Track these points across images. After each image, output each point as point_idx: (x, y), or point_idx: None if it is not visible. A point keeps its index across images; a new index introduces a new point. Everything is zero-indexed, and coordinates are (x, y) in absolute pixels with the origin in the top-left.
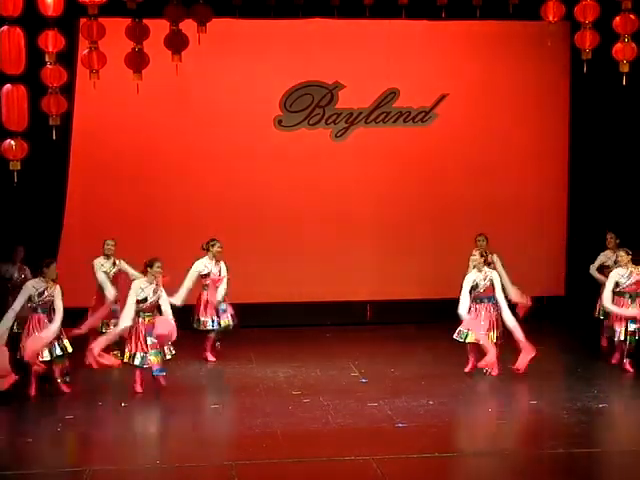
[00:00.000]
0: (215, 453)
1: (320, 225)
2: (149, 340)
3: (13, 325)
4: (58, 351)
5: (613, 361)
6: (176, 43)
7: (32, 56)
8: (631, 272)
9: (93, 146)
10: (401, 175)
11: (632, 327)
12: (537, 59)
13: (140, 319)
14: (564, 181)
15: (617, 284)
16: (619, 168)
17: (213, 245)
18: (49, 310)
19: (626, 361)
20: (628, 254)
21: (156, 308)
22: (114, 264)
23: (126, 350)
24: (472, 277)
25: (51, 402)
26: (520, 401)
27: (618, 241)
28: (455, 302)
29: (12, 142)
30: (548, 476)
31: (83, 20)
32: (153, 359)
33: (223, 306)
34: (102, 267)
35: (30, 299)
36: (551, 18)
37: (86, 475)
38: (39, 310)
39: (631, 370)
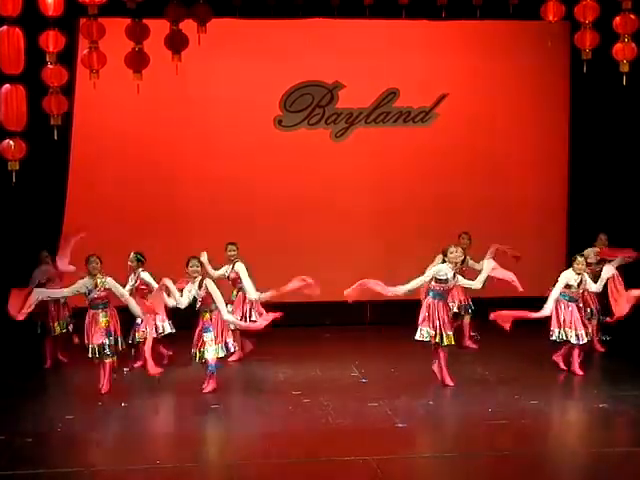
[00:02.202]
0: (215, 453)
1: (320, 225)
2: (206, 336)
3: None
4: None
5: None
6: (176, 43)
7: (32, 56)
8: (582, 280)
9: (93, 146)
10: (401, 175)
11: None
12: (537, 59)
13: (202, 316)
14: (564, 181)
15: (569, 286)
16: (619, 168)
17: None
18: (105, 306)
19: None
20: (586, 262)
21: (211, 303)
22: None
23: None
24: (445, 269)
25: (51, 402)
26: (520, 401)
27: (607, 243)
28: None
29: (11, 142)
30: (548, 476)
31: (83, 20)
32: (210, 355)
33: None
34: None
35: (86, 295)
36: (551, 18)
37: (86, 475)
38: (92, 307)
39: (581, 373)
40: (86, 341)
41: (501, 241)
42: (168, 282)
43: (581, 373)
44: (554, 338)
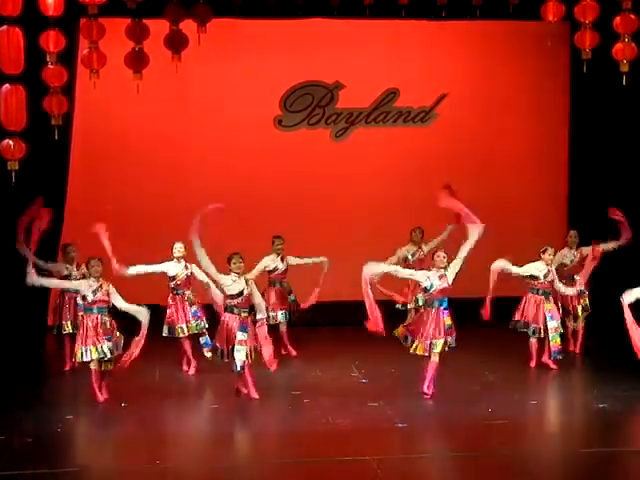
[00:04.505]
0: (215, 453)
1: (320, 225)
2: (239, 336)
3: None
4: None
5: (532, 364)
6: (176, 43)
7: (33, 56)
8: (549, 271)
9: (93, 146)
10: (401, 175)
11: (553, 324)
12: (537, 59)
13: (233, 315)
14: (564, 181)
15: (535, 278)
16: (619, 168)
17: (274, 242)
18: (107, 310)
19: (550, 360)
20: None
21: (250, 304)
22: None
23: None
24: (425, 275)
25: (51, 402)
26: (520, 401)
27: (577, 240)
28: (455, 302)
29: (10, 142)
30: (548, 476)
31: (83, 20)
32: (238, 356)
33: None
34: None
35: (83, 298)
36: (551, 18)
37: (86, 475)
38: (94, 310)
39: (555, 367)
40: (85, 346)
41: (501, 241)
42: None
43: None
44: (512, 328)
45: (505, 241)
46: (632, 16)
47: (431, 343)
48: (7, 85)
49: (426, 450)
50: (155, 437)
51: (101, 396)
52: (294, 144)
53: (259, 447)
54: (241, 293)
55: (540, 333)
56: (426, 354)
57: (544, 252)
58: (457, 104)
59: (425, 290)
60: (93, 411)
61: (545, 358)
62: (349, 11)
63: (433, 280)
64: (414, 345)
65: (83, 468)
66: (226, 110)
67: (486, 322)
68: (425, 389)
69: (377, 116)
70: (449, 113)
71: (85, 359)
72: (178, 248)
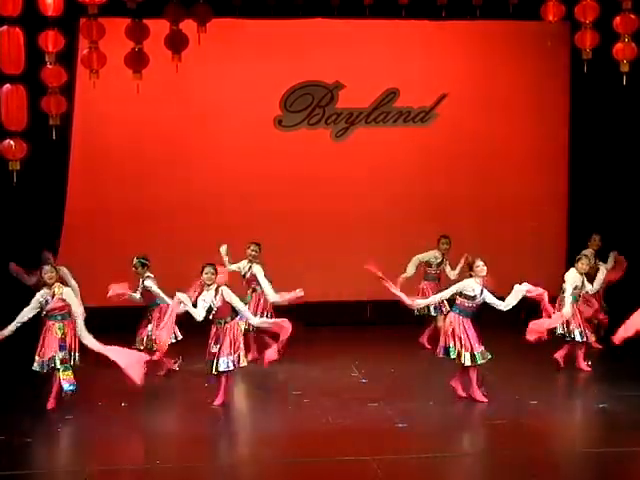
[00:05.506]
0: (215, 453)
1: (320, 225)
2: (213, 348)
3: None
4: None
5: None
6: (176, 43)
7: (32, 56)
8: (583, 280)
9: (93, 146)
10: (401, 175)
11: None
12: (537, 59)
13: (215, 327)
14: (564, 181)
15: (576, 287)
16: (619, 168)
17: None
18: (60, 317)
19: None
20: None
21: (230, 311)
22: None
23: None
24: (472, 285)
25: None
26: (520, 401)
27: (600, 244)
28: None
29: (11, 142)
30: (548, 476)
31: (83, 20)
32: (221, 367)
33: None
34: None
35: (42, 307)
36: (551, 18)
37: (86, 475)
38: (50, 318)
39: (589, 369)
40: (37, 353)
41: (501, 241)
42: (183, 297)
43: (589, 369)
44: (560, 332)
45: (505, 241)
46: (632, 16)
47: (473, 354)
48: (8, 85)
49: (426, 450)
50: (155, 437)
51: (50, 403)
52: (294, 144)
53: (259, 447)
54: (210, 309)
55: (585, 337)
56: (472, 364)
57: (579, 261)
58: (457, 104)
59: (471, 299)
60: (93, 411)
61: (582, 363)
62: (349, 11)
63: (477, 290)
64: (459, 353)
65: (83, 468)
66: (226, 110)
67: (486, 323)
68: (480, 397)
69: (377, 116)
70: (449, 113)
71: (33, 367)
72: (134, 262)
